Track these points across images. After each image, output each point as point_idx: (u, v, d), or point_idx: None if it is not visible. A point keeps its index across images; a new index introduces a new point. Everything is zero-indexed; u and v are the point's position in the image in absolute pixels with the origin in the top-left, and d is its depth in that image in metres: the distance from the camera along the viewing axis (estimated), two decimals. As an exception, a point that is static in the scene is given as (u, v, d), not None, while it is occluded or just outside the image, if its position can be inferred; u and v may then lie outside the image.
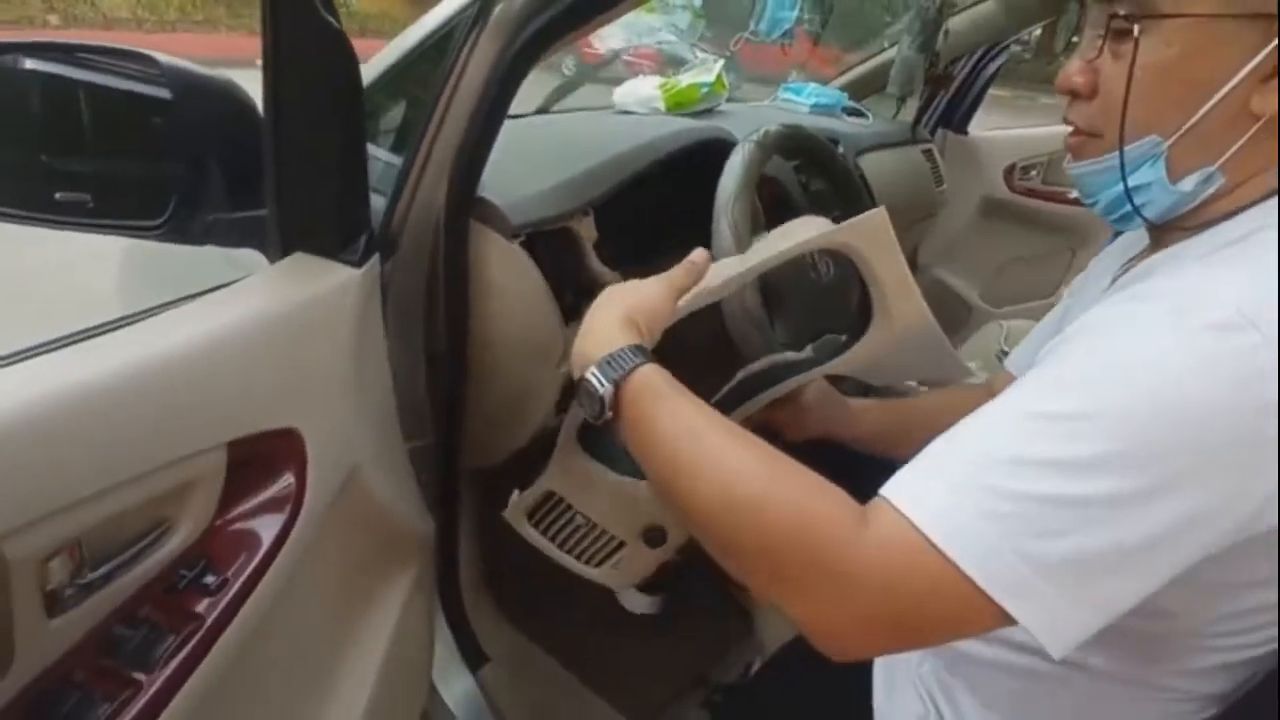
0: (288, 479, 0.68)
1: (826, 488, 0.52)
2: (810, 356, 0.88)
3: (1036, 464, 0.47)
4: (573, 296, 1.11)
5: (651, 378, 0.60)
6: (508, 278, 0.96)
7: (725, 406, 0.84)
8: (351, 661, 0.89)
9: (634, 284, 0.71)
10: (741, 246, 0.93)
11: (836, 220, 1.32)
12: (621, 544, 0.85)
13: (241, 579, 0.63)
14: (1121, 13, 0.57)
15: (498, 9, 0.85)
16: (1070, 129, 0.66)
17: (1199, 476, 0.46)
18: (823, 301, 1.09)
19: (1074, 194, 0.70)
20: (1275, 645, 0.57)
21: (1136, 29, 0.56)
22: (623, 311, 0.66)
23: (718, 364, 0.92)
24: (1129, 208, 0.62)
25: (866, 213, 0.72)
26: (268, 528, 0.66)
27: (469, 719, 1.22)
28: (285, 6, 0.65)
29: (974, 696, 0.71)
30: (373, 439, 0.82)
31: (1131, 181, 0.61)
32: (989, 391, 0.98)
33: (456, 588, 1.24)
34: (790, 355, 0.91)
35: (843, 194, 1.22)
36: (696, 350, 0.96)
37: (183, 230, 0.76)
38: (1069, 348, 0.53)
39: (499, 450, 1.12)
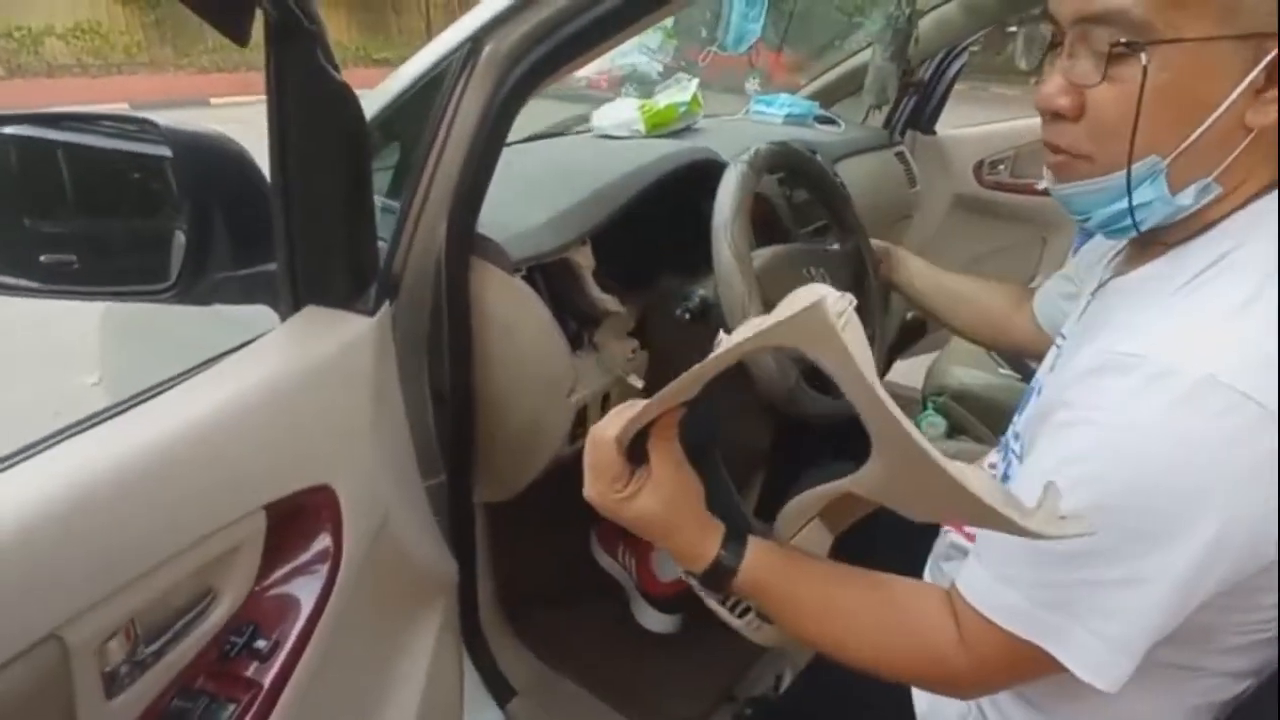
0: (324, 536, 0.68)
1: (930, 618, 0.64)
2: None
3: (1077, 557, 0.56)
4: (575, 325, 1.12)
5: (760, 558, 0.66)
6: (513, 312, 0.97)
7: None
8: (391, 707, 0.89)
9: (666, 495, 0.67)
10: (743, 266, 0.95)
11: (818, 232, 1.36)
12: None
13: (291, 640, 0.62)
14: (1122, 40, 0.58)
15: (488, 49, 0.85)
16: (1047, 149, 0.67)
17: (1204, 526, 0.53)
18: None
19: (1043, 184, 0.72)
20: None
21: (1144, 57, 0.57)
22: (687, 518, 0.67)
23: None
24: (1128, 223, 0.64)
25: (802, 305, 0.52)
26: (309, 586, 0.66)
27: (497, 750, 1.21)
28: (289, 61, 0.65)
29: (1014, 692, 0.73)
30: (397, 485, 0.82)
31: (1134, 199, 0.62)
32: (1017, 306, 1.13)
33: (477, 623, 1.23)
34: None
35: (829, 204, 1.24)
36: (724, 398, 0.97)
37: (191, 291, 0.75)
38: (1068, 437, 0.59)
39: (516, 482, 1.12)
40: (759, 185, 1.31)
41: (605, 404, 1.13)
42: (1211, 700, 0.65)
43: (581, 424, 1.09)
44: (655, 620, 1.39)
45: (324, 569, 0.66)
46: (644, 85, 1.98)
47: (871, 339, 1.19)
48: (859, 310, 1.08)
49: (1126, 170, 0.61)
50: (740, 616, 0.77)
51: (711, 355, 0.61)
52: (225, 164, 0.74)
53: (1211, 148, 0.59)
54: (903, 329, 1.64)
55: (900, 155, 1.99)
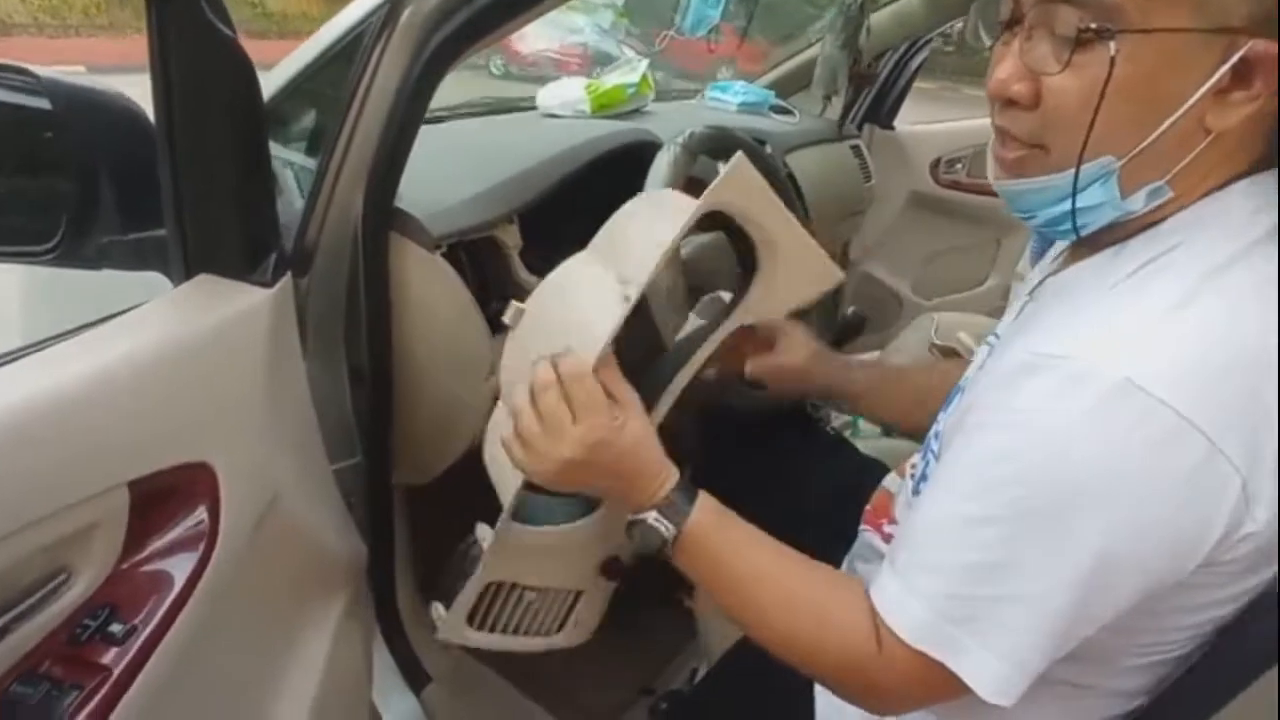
0: (200, 515, 0.65)
1: (850, 608, 0.62)
2: (702, 324, 0.86)
3: (980, 568, 0.55)
4: (500, 306, 1.09)
5: (705, 517, 0.68)
6: (430, 291, 0.94)
7: (648, 399, 0.79)
8: (284, 694, 0.86)
9: (624, 430, 0.68)
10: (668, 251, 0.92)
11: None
12: (579, 593, 0.83)
13: (152, 624, 0.59)
14: (1092, 25, 0.53)
15: (407, 12, 0.82)
16: (998, 137, 0.63)
17: (1101, 539, 0.52)
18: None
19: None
20: (1194, 647, 0.59)
21: (1113, 45, 0.52)
22: (646, 454, 0.69)
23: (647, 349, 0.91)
24: (1069, 226, 0.61)
25: (730, 164, 0.72)
26: (179, 568, 0.63)
27: (411, 742, 1.19)
28: (171, 14, 0.61)
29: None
30: (293, 465, 0.79)
31: (1079, 202, 0.59)
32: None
33: (394, 608, 1.20)
34: (684, 333, 0.89)
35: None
36: (626, 361, 0.95)
37: (76, 253, 0.71)
38: (982, 439, 0.58)
39: (432, 466, 1.09)
40: (695, 169, 1.30)
41: (500, 316, 1.10)
42: (1104, 717, 0.64)
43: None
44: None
45: (197, 551, 0.63)
46: (605, 66, 1.95)
47: (812, 329, 1.19)
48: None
49: (1075, 170, 0.58)
50: (557, 631, 0.83)
51: (655, 255, 0.69)
52: (113, 121, 0.70)
53: (1167, 149, 0.56)
54: (842, 325, 1.63)
55: (856, 149, 1.98)
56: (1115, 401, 0.50)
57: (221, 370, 0.67)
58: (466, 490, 1.11)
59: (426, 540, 1.26)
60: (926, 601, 0.57)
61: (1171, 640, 0.59)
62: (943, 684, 0.57)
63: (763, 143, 1.58)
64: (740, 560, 0.67)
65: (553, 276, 0.80)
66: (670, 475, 0.69)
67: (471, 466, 1.05)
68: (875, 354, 1.87)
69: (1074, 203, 0.59)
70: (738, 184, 0.73)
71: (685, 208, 0.72)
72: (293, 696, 0.85)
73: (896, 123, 2.25)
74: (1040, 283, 0.71)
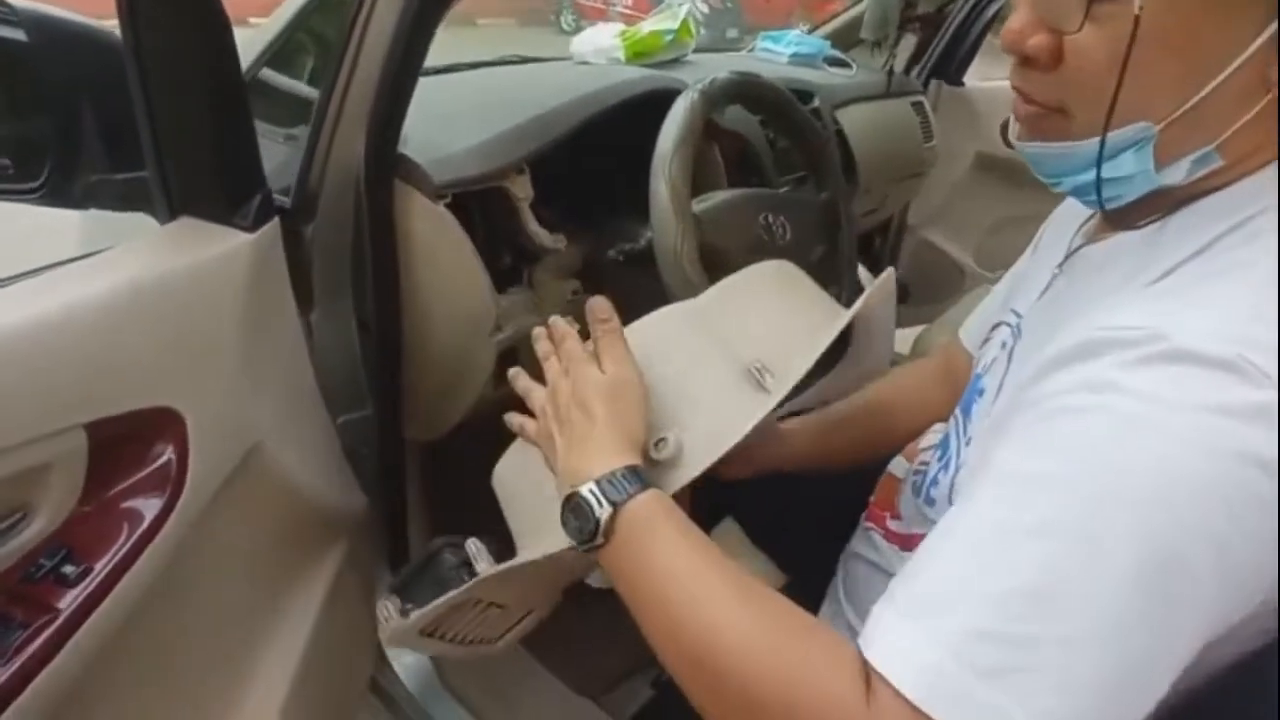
0: (166, 461, 0.64)
1: (829, 651, 0.46)
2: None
3: (1030, 596, 0.40)
4: (511, 260, 1.06)
5: (651, 507, 0.54)
6: (433, 242, 0.91)
7: None
8: (271, 644, 0.86)
9: (617, 386, 0.60)
10: (679, 205, 0.87)
11: (803, 180, 1.26)
12: (531, 611, 0.78)
13: (107, 568, 0.59)
14: None
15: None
16: (1016, 95, 0.54)
17: (1222, 566, 0.40)
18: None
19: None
20: None
21: None
22: (617, 421, 0.59)
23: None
24: (1093, 198, 0.53)
25: (881, 278, 0.72)
26: (142, 513, 0.62)
27: (419, 690, 1.20)
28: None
29: None
30: (278, 414, 0.78)
31: (1108, 171, 0.51)
32: (939, 367, 0.92)
33: (407, 560, 1.21)
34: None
35: (807, 151, 1.14)
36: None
37: (63, 193, 0.71)
38: (1036, 433, 0.45)
39: (439, 423, 1.08)
40: (735, 121, 1.23)
41: (540, 346, 1.08)
42: None
43: (512, 365, 1.04)
44: (594, 575, 1.36)
45: (162, 497, 0.63)
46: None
47: (839, 298, 1.12)
48: (831, 268, 1.04)
49: (1100, 140, 0.49)
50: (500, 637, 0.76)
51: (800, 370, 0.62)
52: (94, 55, 0.68)
53: (1218, 110, 0.47)
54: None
55: (917, 106, 1.86)
56: (1222, 378, 0.41)
57: (194, 315, 0.66)
58: (478, 446, 1.09)
59: (441, 497, 1.26)
60: (941, 644, 0.41)
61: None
62: None
63: (810, 95, 1.50)
64: (684, 569, 0.51)
65: (656, 322, 0.68)
66: (627, 456, 0.57)
67: (482, 423, 1.03)
68: (922, 328, 1.77)
69: (1099, 174, 0.51)
70: (883, 296, 0.72)
71: (827, 307, 0.72)
72: (281, 642, 0.86)
73: (968, 79, 2.12)
74: (1071, 254, 0.63)
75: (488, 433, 0.88)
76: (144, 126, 0.66)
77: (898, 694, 0.41)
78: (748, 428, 0.59)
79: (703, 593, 0.49)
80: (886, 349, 0.81)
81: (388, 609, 0.72)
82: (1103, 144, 0.49)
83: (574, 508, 0.55)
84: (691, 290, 0.89)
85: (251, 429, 0.73)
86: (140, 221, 0.74)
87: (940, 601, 0.43)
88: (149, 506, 0.62)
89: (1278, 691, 0.41)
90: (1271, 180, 0.49)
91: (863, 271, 0.77)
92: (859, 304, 0.69)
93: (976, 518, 0.45)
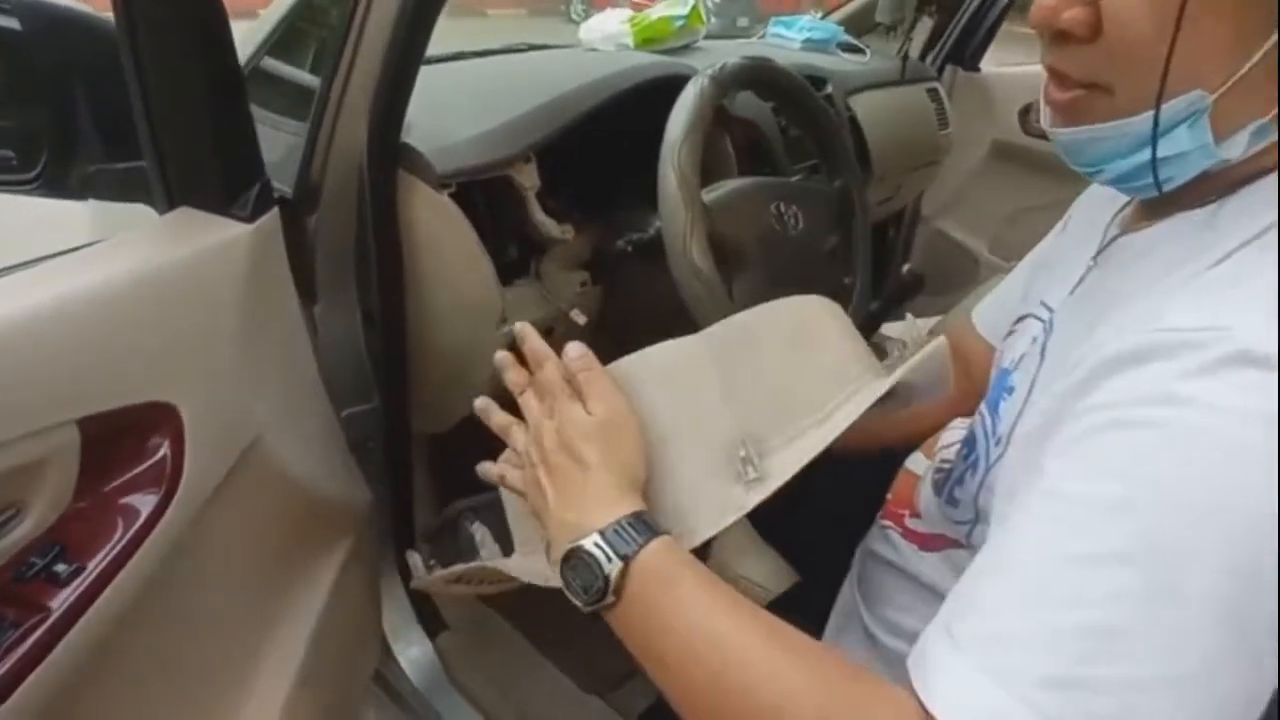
0: (162, 457, 0.62)
1: (882, 701, 0.42)
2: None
3: (1105, 633, 0.37)
4: (517, 251, 1.04)
5: (663, 558, 0.49)
6: (436, 233, 0.89)
7: None
8: (276, 637, 0.85)
9: (609, 426, 0.56)
10: (689, 194, 0.85)
11: (816, 169, 1.24)
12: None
13: (100, 567, 0.58)
14: None
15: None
16: (1050, 78, 0.51)
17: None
18: (790, 256, 1.01)
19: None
20: None
21: None
22: (617, 470, 0.54)
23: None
24: (1149, 180, 0.49)
25: (931, 347, 0.62)
26: (137, 511, 0.61)
27: (425, 684, 1.19)
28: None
29: None
30: (279, 409, 0.76)
31: (1162, 150, 0.47)
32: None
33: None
34: None
35: (820, 138, 1.12)
36: (650, 318, 0.88)
37: (61, 183, 0.70)
38: (1092, 449, 0.41)
39: (446, 416, 1.06)
40: (745, 108, 1.21)
41: (548, 339, 1.06)
42: None
43: (518, 358, 1.02)
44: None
45: (157, 494, 0.61)
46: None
47: (853, 288, 1.10)
48: (844, 258, 0.98)
49: (1155, 114, 0.45)
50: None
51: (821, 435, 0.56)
52: (92, 44, 0.67)
53: (1272, 76, 0.44)
54: (899, 284, 1.52)
55: (932, 93, 1.82)
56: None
57: (190, 307, 0.65)
58: (485, 439, 1.08)
59: (448, 489, 1.25)
60: (1011, 692, 0.37)
61: None
62: None
63: (823, 82, 1.47)
64: (712, 626, 0.46)
65: (638, 367, 0.62)
66: (630, 501, 0.52)
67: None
68: (935, 319, 1.74)
69: (1154, 152, 0.46)
70: (928, 368, 0.62)
71: (854, 371, 0.60)
72: (285, 638, 0.85)
73: (984, 64, 2.07)
74: (1107, 244, 0.59)
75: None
76: (140, 115, 0.65)
77: None
78: (709, 533, 0.55)
79: (737, 650, 0.45)
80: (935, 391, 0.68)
81: (416, 561, 0.77)
82: (1157, 115, 0.45)
83: (576, 564, 0.50)
84: (701, 281, 0.87)
85: (251, 423, 0.71)
86: (141, 213, 0.73)
87: (1005, 642, 0.39)
88: (144, 503, 0.61)
89: (1278, 691, 0.38)
90: None
91: (911, 321, 0.68)
92: (900, 373, 0.59)
93: (1036, 546, 0.41)
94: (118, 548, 0.58)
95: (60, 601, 0.55)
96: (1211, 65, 0.44)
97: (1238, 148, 0.46)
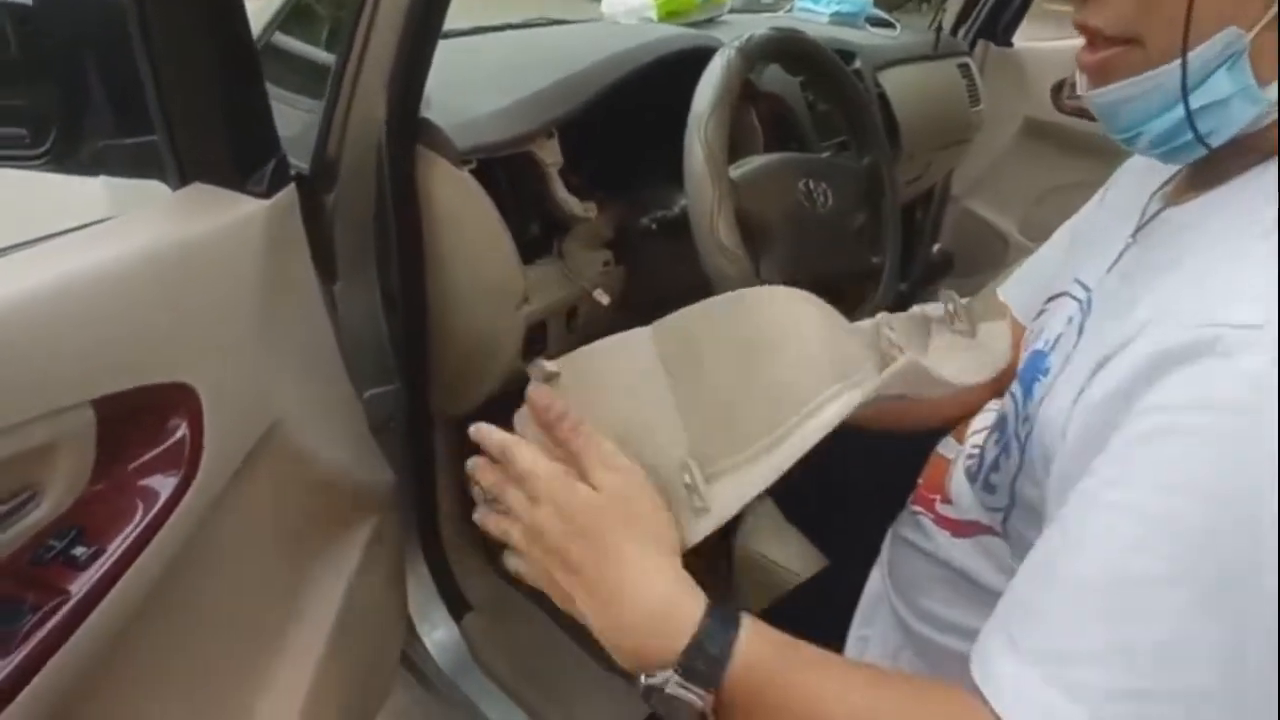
0: (180, 439, 0.61)
1: (964, 705, 0.42)
2: None
3: (1168, 648, 0.37)
4: (539, 230, 1.02)
5: (754, 660, 0.45)
6: (457, 211, 0.87)
7: None
8: (300, 620, 0.85)
9: (621, 496, 0.51)
10: (715, 169, 0.82)
11: (844, 145, 1.20)
12: None
13: (120, 550, 0.57)
14: None
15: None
16: (1085, 40, 0.48)
17: None
18: (818, 234, 0.98)
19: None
20: None
21: None
22: (649, 543, 0.49)
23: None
24: (1190, 137, 0.46)
25: (901, 363, 0.55)
26: (156, 493, 0.60)
27: (450, 666, 1.19)
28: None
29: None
30: (300, 390, 0.75)
31: (1200, 99, 0.44)
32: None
33: (437, 536, 1.19)
34: None
35: (849, 114, 1.08)
36: (675, 298, 0.86)
37: (71, 159, 0.68)
38: (1146, 459, 0.40)
39: (469, 397, 1.05)
40: (771, 82, 1.18)
41: (570, 320, 1.04)
42: None
43: (540, 339, 1.01)
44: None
45: (176, 477, 0.60)
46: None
47: (881, 268, 1.07)
48: (873, 237, 0.94)
49: (1182, 52, 0.42)
50: None
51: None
52: (101, 16, 0.65)
53: None
54: (929, 264, 1.48)
55: (964, 68, 1.77)
56: None
57: (206, 285, 0.63)
58: (508, 420, 1.07)
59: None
60: (1080, 703, 0.38)
61: None
62: None
63: (851, 56, 1.43)
64: (824, 704, 0.45)
65: (593, 363, 0.59)
66: (691, 606, 0.47)
67: (512, 397, 1.01)
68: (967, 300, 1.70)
69: (1186, 101, 0.44)
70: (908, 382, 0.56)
71: (829, 395, 0.52)
72: (307, 624, 0.84)
73: (1016, 39, 2.02)
74: (1148, 219, 0.56)
75: (518, 407, 0.86)
76: (150, 89, 0.63)
77: None
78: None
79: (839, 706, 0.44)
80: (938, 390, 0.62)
81: None
82: (1185, 53, 0.42)
83: (665, 700, 0.45)
84: (727, 259, 0.84)
85: (271, 404, 0.70)
86: (154, 189, 0.72)
87: (1071, 654, 0.39)
88: (164, 485, 0.60)
89: (1278, 691, 0.37)
90: None
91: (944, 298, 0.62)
92: (865, 390, 0.52)
93: (1095, 558, 0.40)
94: (137, 530, 0.57)
95: (80, 585, 0.54)
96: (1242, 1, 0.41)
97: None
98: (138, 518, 0.58)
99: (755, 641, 0.46)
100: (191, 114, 0.64)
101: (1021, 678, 0.40)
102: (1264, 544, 0.36)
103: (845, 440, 0.69)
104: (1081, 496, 0.43)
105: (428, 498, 1.14)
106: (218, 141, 0.66)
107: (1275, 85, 0.43)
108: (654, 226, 0.95)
